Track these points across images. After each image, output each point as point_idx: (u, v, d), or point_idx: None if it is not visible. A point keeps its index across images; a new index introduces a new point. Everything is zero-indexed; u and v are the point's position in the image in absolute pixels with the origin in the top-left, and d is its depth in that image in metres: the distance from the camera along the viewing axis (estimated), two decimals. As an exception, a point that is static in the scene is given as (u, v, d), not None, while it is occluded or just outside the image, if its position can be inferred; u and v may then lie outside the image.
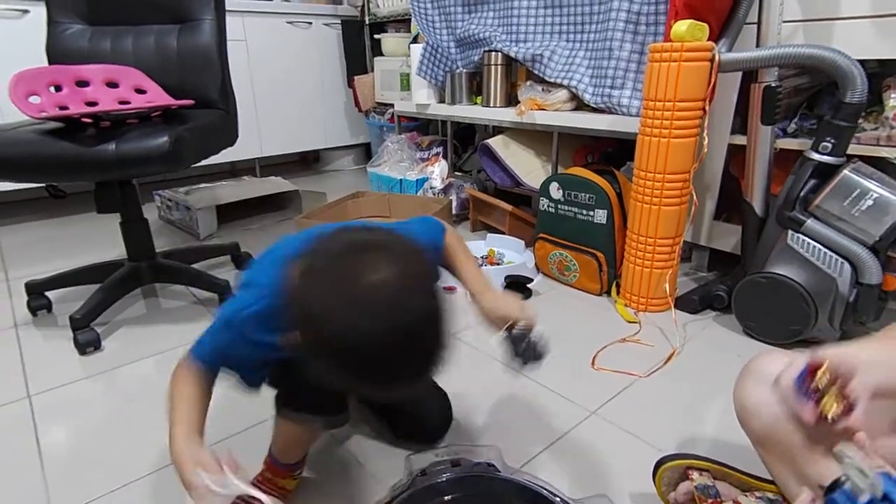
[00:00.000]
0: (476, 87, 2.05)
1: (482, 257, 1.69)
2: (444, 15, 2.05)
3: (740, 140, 1.34)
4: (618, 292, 1.46)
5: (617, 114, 1.57)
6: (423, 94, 2.19)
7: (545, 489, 0.73)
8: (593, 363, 1.17)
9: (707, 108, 1.22)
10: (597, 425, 0.98)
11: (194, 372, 0.67)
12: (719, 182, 1.44)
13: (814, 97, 1.35)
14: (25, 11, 2.07)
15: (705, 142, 1.22)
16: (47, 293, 1.44)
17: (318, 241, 0.57)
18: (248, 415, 0.99)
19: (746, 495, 0.71)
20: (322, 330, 0.52)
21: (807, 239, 1.12)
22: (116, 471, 0.88)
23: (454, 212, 2.11)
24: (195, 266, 1.54)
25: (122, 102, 1.36)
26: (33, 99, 1.20)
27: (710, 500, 0.70)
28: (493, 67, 1.90)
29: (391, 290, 0.51)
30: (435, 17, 2.07)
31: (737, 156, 1.39)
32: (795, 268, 1.14)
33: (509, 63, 1.89)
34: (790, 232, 1.15)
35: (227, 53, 1.50)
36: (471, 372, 1.15)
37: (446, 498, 0.75)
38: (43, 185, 1.35)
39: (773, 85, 1.17)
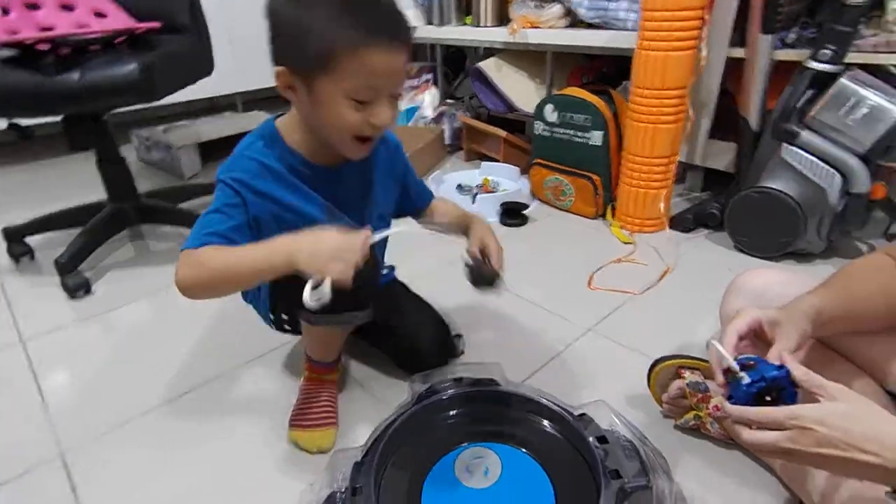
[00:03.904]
0: (465, 6, 1.93)
1: (477, 186, 1.67)
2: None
3: (738, 53, 1.29)
4: (613, 215, 1.46)
5: (613, 29, 1.49)
6: (410, 15, 2.05)
7: (546, 399, 0.76)
8: (590, 283, 1.19)
9: (707, 17, 1.16)
10: (594, 341, 1.01)
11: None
12: (716, 98, 1.40)
13: (815, 5, 1.29)
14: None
15: (703, 53, 1.17)
16: (28, 239, 1.39)
17: None
18: (270, 337, 0.97)
19: None
20: None
21: (800, 151, 1.11)
22: (120, 408, 0.89)
23: (447, 141, 2.06)
24: (182, 207, 1.50)
25: (80, 27, 1.25)
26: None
27: (699, 395, 0.73)
28: (481, -18, 1.78)
29: None
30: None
31: (733, 71, 1.34)
32: (788, 181, 1.14)
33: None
34: (785, 145, 1.13)
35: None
36: (469, 296, 1.17)
37: (451, 412, 0.78)
38: (6, 125, 1.27)
39: (776, -10, 1.11)
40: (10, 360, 1.03)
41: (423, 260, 1.30)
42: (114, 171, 1.36)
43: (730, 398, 0.53)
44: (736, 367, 0.53)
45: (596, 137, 1.42)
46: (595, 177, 1.44)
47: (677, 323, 1.04)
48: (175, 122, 2.22)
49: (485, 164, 1.78)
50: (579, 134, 1.44)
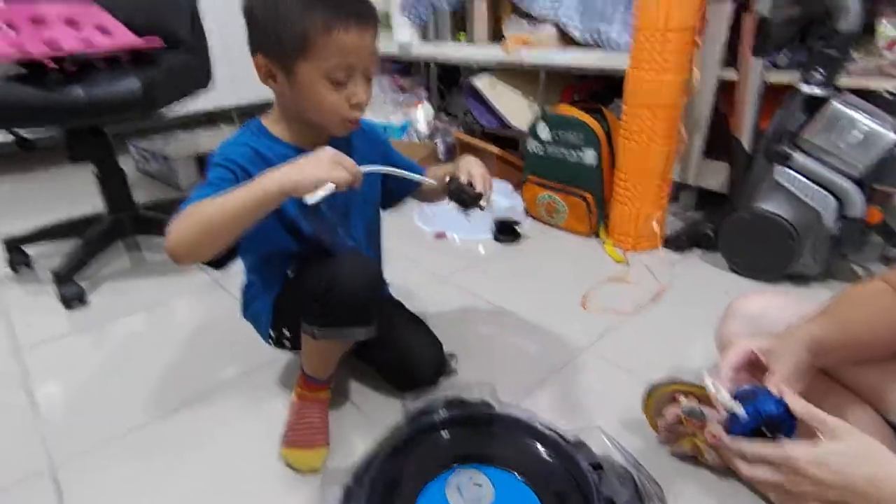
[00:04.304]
0: (460, 24, 1.96)
1: (470, 202, 1.67)
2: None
3: (730, 75, 1.31)
4: (606, 233, 1.47)
5: (606, 49, 1.51)
6: (406, 33, 2.08)
7: (539, 423, 0.76)
8: (584, 303, 1.19)
9: (698, 40, 1.18)
10: (588, 361, 1.01)
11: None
12: (709, 119, 1.42)
13: (807, 29, 1.32)
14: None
15: (696, 75, 1.19)
16: (27, 249, 1.40)
17: None
18: (263, 352, 0.98)
19: None
20: None
21: (793, 173, 1.13)
22: (111, 421, 0.89)
23: (441, 157, 2.07)
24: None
25: (85, 43, 1.26)
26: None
27: (696, 422, 0.73)
28: (477, 2, 1.81)
29: None
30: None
31: (726, 91, 1.37)
32: (782, 203, 1.15)
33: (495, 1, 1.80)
34: (777, 166, 1.15)
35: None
36: (462, 313, 1.17)
37: (443, 434, 0.77)
38: (11, 137, 1.28)
39: (767, 15, 1.13)
40: (4, 369, 1.03)
41: (414, 276, 1.31)
42: (112, 183, 1.38)
43: (728, 430, 0.53)
44: (732, 404, 0.52)
45: (589, 156, 1.43)
46: (588, 195, 1.45)
47: (672, 344, 1.04)
48: (173, 133, 2.23)
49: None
50: (572, 152, 1.46)
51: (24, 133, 1.31)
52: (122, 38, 1.30)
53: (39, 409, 0.93)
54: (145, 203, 1.50)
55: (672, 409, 0.76)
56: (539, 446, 0.75)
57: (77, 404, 0.94)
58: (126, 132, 2.49)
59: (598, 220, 1.48)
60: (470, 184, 0.74)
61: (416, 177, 0.77)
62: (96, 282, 1.33)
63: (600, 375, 0.97)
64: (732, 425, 0.52)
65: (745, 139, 1.25)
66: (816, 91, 1.09)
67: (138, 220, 1.42)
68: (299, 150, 0.72)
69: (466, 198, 0.73)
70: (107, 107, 1.12)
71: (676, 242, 1.37)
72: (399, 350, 0.91)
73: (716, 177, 1.45)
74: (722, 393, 0.54)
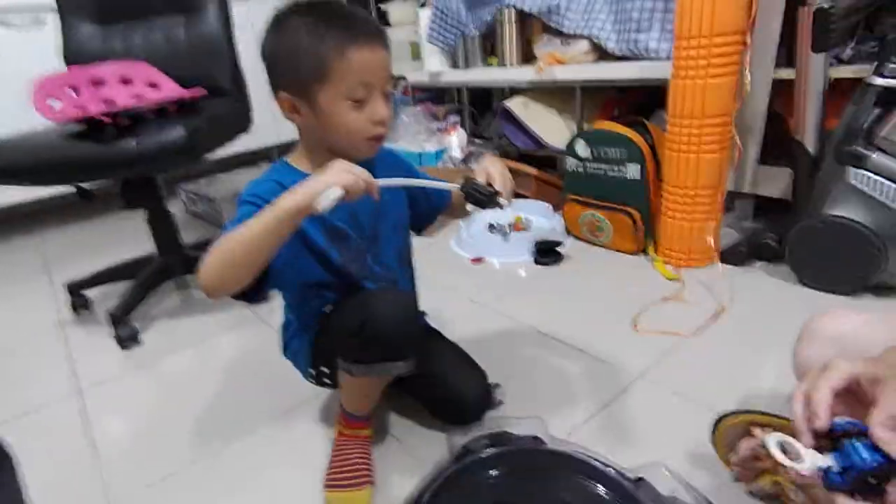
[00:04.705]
0: (490, 48, 1.96)
1: (509, 225, 1.63)
2: (452, -26, 1.94)
3: (786, 74, 1.23)
4: (655, 250, 1.39)
5: (644, 59, 1.46)
6: (436, 62, 2.10)
7: (596, 459, 0.70)
8: (635, 325, 1.11)
9: (748, 40, 1.11)
10: (645, 390, 0.93)
11: None
12: (763, 122, 1.33)
13: (873, 16, 1.21)
14: (42, 22, 2.06)
15: (747, 79, 1.12)
16: (87, 291, 1.48)
17: None
18: (308, 388, 0.95)
19: None
20: (276, 18, 0.69)
21: (872, 175, 1.02)
22: (162, 459, 0.90)
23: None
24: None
25: (137, 98, 1.34)
26: (54, 104, 1.22)
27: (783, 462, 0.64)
28: (506, 25, 1.80)
29: None
30: (442, -23, 1.96)
31: (781, 92, 1.28)
32: (858, 208, 1.04)
33: (523, 19, 1.78)
34: (851, 169, 1.04)
35: (234, 39, 1.47)
36: (505, 341, 1.12)
37: (492, 472, 0.72)
38: (72, 188, 1.37)
39: (825, 6, 1.05)
40: (67, 409, 1.07)
41: (453, 304, 1.27)
42: (161, 226, 1.45)
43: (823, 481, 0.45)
44: (819, 464, 0.45)
45: (632, 170, 1.37)
46: (633, 211, 1.38)
47: (738, 369, 0.95)
48: (219, 174, 2.33)
49: (516, 201, 1.75)
50: (614, 168, 1.40)
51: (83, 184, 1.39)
52: (170, 90, 1.37)
53: (98, 448, 0.95)
54: (193, 243, 1.56)
55: (747, 443, 0.68)
56: (597, 486, 0.68)
57: (131, 443, 0.96)
58: (176, 177, 2.62)
59: (645, 237, 1.40)
60: (489, 184, 0.71)
61: (438, 183, 0.75)
62: (149, 320, 1.38)
63: (659, 405, 0.89)
64: (827, 478, 0.44)
65: (809, 141, 1.16)
66: (894, 83, 0.99)
67: (187, 260, 1.47)
68: None
69: (481, 196, 0.70)
70: (156, 156, 1.17)
71: (735, 256, 1.27)
72: (441, 383, 0.87)
73: (775, 183, 1.35)
74: (803, 458, 0.46)
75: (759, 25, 1.15)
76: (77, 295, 1.47)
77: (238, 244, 0.61)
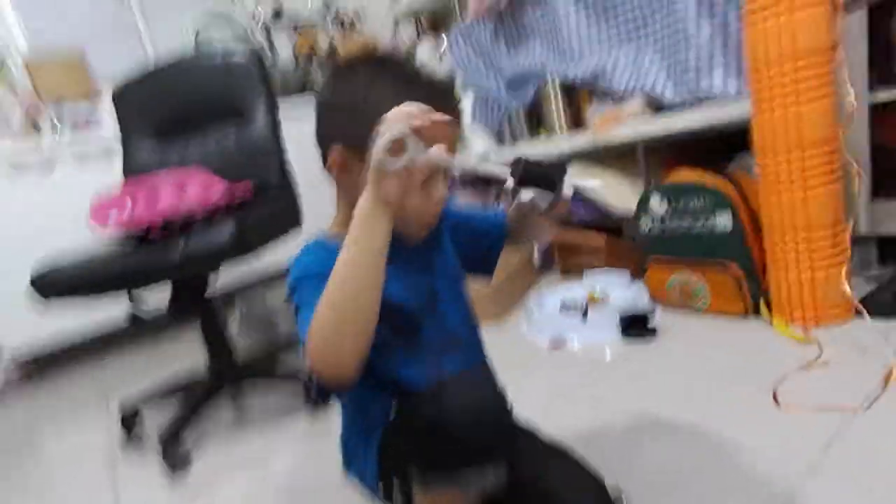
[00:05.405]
0: (536, 120, 1.92)
1: (584, 301, 1.45)
2: (489, 59, 1.98)
3: (884, 96, 1.08)
4: (769, 309, 1.17)
5: (710, 103, 1.35)
6: (481, 143, 2.08)
7: None
8: (776, 401, 0.88)
9: (839, 54, 0.98)
10: (822, 486, 0.69)
11: None
12: (868, 151, 1.16)
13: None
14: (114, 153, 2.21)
15: (851, 95, 0.97)
16: (140, 413, 1.39)
17: None
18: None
19: None
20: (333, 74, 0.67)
21: None
22: None
23: (537, 261, 1.90)
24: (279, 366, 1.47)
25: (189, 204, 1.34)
26: (111, 217, 1.22)
27: None
28: (552, 97, 1.77)
29: None
30: (480, 64, 2.00)
31: (879, 120, 1.12)
32: None
33: (569, 88, 1.75)
34: None
35: (282, 139, 1.48)
36: (610, 436, 0.90)
37: None
38: (123, 314, 1.35)
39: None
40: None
41: (534, 396, 1.04)
42: (214, 340, 1.37)
43: None
44: None
45: (723, 220, 1.20)
46: (733, 266, 1.19)
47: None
48: (272, 281, 2.30)
49: (588, 274, 1.58)
50: (700, 221, 1.23)
51: (134, 311, 1.37)
52: (221, 192, 1.37)
53: None
54: (246, 360, 1.48)
55: None
56: None
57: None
58: (232, 288, 2.63)
59: (753, 295, 1.19)
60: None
61: (492, 170, 0.64)
62: (201, 438, 1.26)
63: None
64: None
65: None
66: None
67: (240, 374, 1.40)
68: None
69: (541, 171, 0.60)
70: (204, 257, 1.13)
71: (884, 306, 1.03)
72: (549, 495, 0.66)
73: (899, 218, 1.14)
74: None
75: (842, 46, 1.03)
76: (129, 417, 1.38)
77: (338, 300, 0.52)
